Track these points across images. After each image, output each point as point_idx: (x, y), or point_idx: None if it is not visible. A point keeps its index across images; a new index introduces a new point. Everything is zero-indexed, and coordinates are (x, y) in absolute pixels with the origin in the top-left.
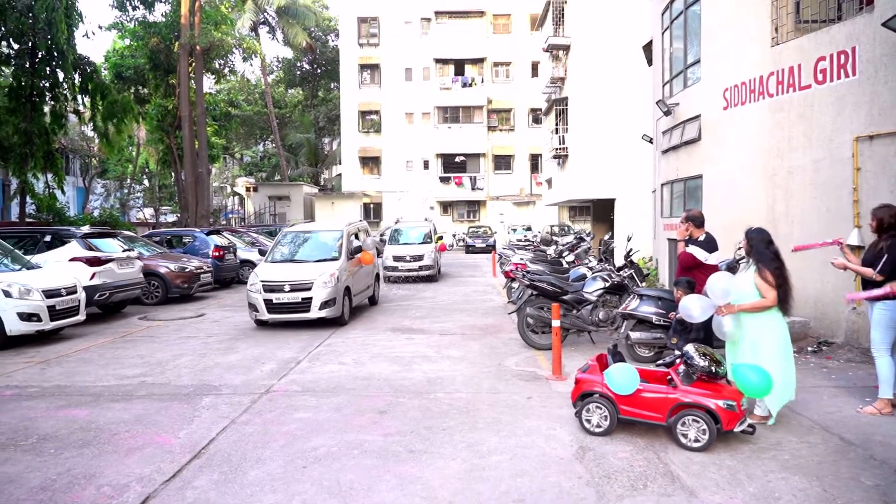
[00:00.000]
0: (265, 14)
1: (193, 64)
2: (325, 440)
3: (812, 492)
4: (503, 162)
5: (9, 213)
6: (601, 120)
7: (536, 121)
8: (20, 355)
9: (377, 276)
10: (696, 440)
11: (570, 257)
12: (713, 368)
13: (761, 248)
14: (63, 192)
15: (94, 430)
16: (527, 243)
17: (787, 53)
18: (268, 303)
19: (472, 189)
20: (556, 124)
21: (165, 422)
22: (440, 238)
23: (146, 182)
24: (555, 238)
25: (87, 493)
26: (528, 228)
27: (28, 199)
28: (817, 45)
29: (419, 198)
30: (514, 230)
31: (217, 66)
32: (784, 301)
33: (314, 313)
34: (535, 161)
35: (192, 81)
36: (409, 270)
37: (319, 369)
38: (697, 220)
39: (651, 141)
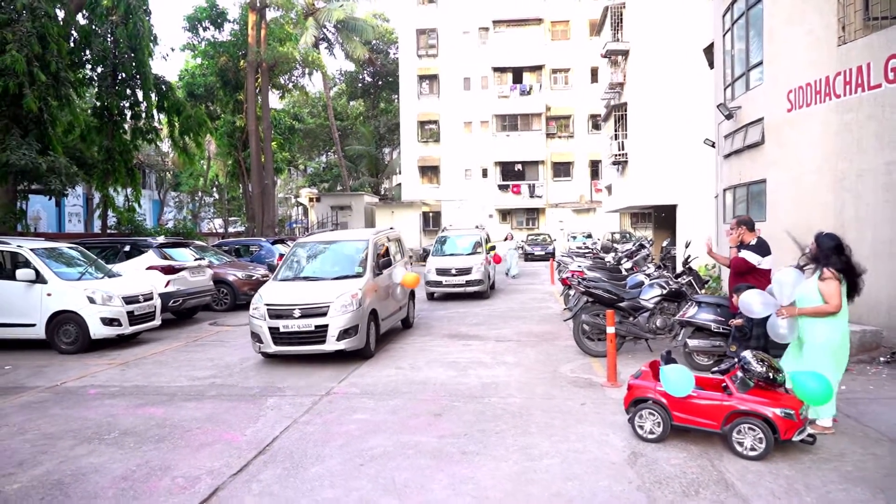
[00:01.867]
0: (325, 30)
1: (259, 80)
2: (382, 440)
3: None
4: (562, 169)
5: (92, 226)
6: (661, 124)
7: (596, 127)
8: (103, 357)
9: (412, 293)
10: (753, 449)
11: (628, 264)
12: (771, 375)
13: (830, 253)
14: (140, 205)
15: (169, 427)
16: (586, 251)
17: (855, 52)
18: (273, 332)
19: (531, 196)
20: (616, 130)
21: (233, 420)
22: (492, 248)
23: (216, 194)
24: (615, 245)
25: (163, 483)
26: (589, 236)
27: (109, 211)
28: (888, 42)
29: (478, 206)
30: (574, 237)
31: (282, 81)
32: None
33: (331, 345)
34: (594, 168)
35: (259, 97)
36: (455, 286)
37: (377, 373)
38: (749, 225)
39: (713, 145)
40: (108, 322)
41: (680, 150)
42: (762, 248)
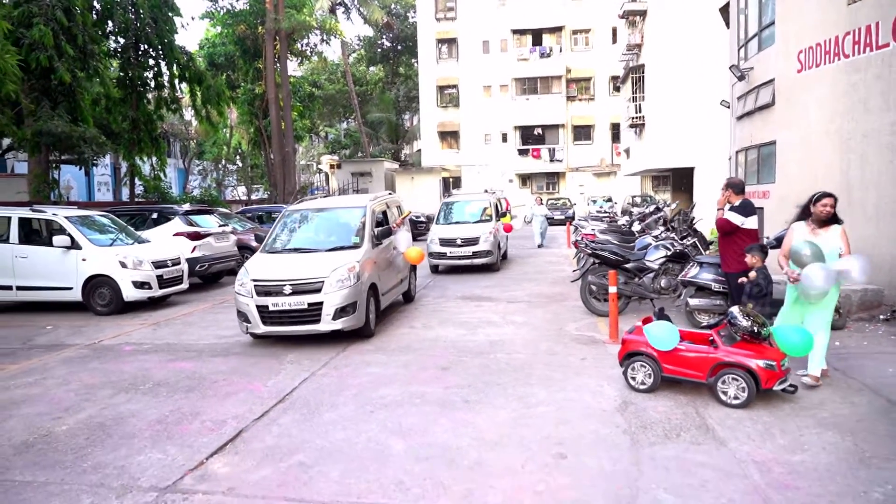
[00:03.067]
0: None
1: (278, 48)
2: (392, 391)
3: (842, 445)
4: (583, 132)
5: (120, 194)
6: (678, 86)
7: (617, 89)
8: (135, 318)
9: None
10: (736, 397)
11: (638, 227)
12: (755, 329)
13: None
14: (165, 174)
15: (198, 379)
16: (603, 214)
17: (864, 11)
18: (262, 310)
19: (551, 161)
20: (633, 92)
21: (256, 373)
22: (504, 215)
23: (239, 162)
24: (631, 209)
25: (193, 426)
26: (609, 199)
27: (136, 180)
28: None
29: (498, 171)
30: (594, 201)
31: (300, 47)
32: None
33: (326, 325)
34: (615, 131)
35: (277, 65)
36: (460, 258)
37: (392, 332)
38: (737, 187)
39: (729, 107)
40: (140, 285)
41: (697, 112)
42: (746, 209)
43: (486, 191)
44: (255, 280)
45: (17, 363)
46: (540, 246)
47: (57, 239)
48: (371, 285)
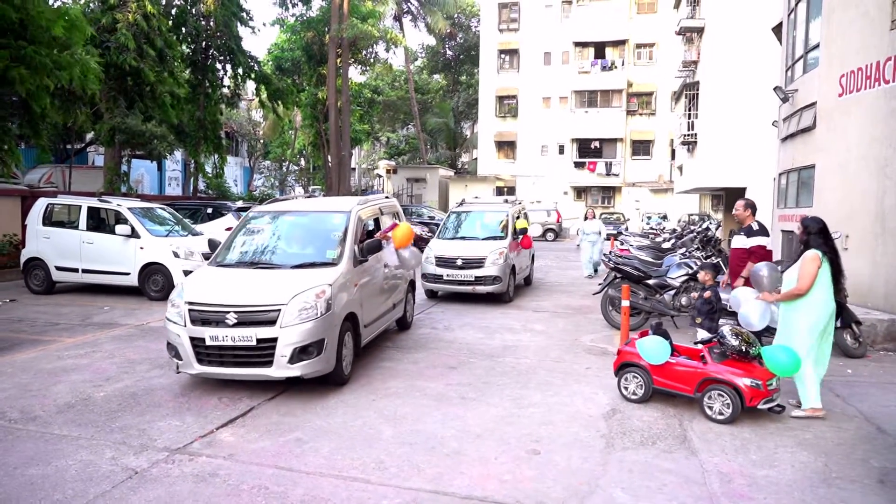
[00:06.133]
0: (408, 3)
1: (341, 55)
2: (397, 384)
3: (813, 465)
4: (641, 147)
5: (189, 189)
6: (732, 105)
7: None
8: None
9: (411, 283)
10: (721, 413)
11: (669, 244)
12: (744, 348)
13: (816, 234)
14: (223, 172)
15: None
16: (651, 231)
17: None
18: (197, 344)
19: (608, 175)
20: (687, 109)
21: None
22: (524, 230)
23: (302, 163)
24: (676, 227)
25: (211, 401)
26: (664, 217)
27: (200, 176)
28: None
29: (553, 182)
30: (649, 218)
31: (363, 55)
32: (836, 292)
33: (279, 370)
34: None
35: (339, 72)
36: (459, 283)
37: (413, 332)
38: (754, 208)
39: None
40: (189, 274)
41: (750, 132)
42: (749, 230)
43: (505, 201)
44: (190, 303)
45: (73, 337)
46: (590, 276)
47: (119, 228)
48: (348, 316)
